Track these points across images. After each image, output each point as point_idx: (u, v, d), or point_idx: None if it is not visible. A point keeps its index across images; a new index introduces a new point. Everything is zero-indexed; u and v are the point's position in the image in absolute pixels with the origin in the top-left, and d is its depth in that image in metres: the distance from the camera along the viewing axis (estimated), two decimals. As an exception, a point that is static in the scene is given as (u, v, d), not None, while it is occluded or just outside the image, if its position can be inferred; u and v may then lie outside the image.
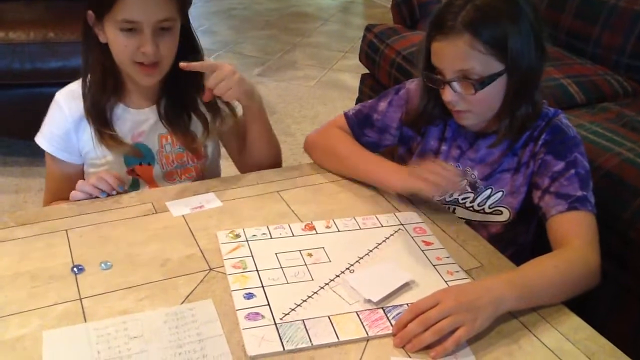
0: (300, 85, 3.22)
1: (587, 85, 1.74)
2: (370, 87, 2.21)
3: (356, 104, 2.35)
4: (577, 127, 1.47)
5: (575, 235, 0.94)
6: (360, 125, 1.20)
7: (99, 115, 1.12)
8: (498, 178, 1.10)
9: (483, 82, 0.97)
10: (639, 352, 0.81)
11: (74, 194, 1.07)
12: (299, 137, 2.63)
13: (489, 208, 1.11)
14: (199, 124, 1.19)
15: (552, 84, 1.71)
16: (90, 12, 1.07)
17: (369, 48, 2.15)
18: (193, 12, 2.66)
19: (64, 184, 1.14)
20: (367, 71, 2.27)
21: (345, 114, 1.22)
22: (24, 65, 1.99)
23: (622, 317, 1.32)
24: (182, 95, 1.16)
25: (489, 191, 1.11)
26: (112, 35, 1.06)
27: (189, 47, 1.13)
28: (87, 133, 1.14)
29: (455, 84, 0.99)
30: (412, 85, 1.18)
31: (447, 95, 1.01)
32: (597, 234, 0.96)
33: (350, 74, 3.33)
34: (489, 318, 0.80)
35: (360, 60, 2.23)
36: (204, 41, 4.03)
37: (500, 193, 1.10)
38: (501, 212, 1.10)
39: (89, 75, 1.12)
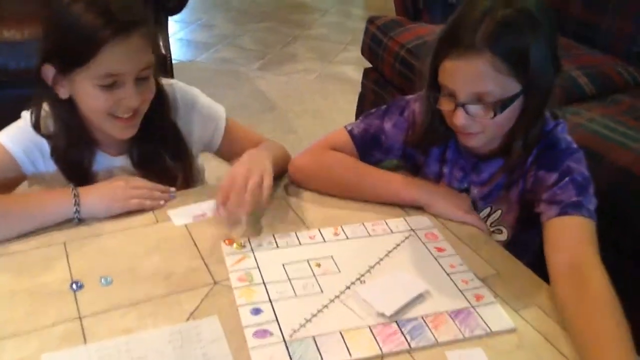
0: (301, 79, 3.17)
1: (597, 76, 1.69)
2: (374, 81, 2.16)
3: (359, 99, 2.32)
4: (589, 121, 1.43)
5: (566, 244, 0.88)
6: (368, 146, 1.12)
7: (82, 176, 1.05)
8: (496, 196, 1.06)
9: (503, 106, 0.91)
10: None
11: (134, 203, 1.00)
12: (300, 133, 2.59)
13: (490, 227, 1.07)
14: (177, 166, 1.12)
15: (561, 75, 1.66)
16: (47, 67, 0.96)
17: (371, 41, 2.10)
18: (191, 5, 2.60)
19: None
20: (369, 64, 2.22)
21: (350, 132, 1.12)
22: (19, 64, 1.94)
23: (637, 315, 1.28)
24: (154, 141, 1.08)
25: (488, 209, 1.07)
26: (86, 91, 0.96)
27: (156, 93, 1.05)
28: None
29: (470, 107, 0.91)
30: (417, 105, 1.10)
31: (460, 118, 0.93)
32: (593, 239, 0.89)
33: (351, 67, 3.28)
34: None
35: (363, 53, 2.18)
36: (202, 35, 3.97)
37: (500, 211, 1.06)
38: (501, 231, 1.07)
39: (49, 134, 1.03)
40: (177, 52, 3.46)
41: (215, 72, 3.18)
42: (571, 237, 0.89)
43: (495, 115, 0.91)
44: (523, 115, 0.94)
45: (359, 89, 2.30)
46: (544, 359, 0.77)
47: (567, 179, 0.94)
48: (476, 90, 0.91)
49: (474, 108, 0.92)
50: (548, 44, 0.91)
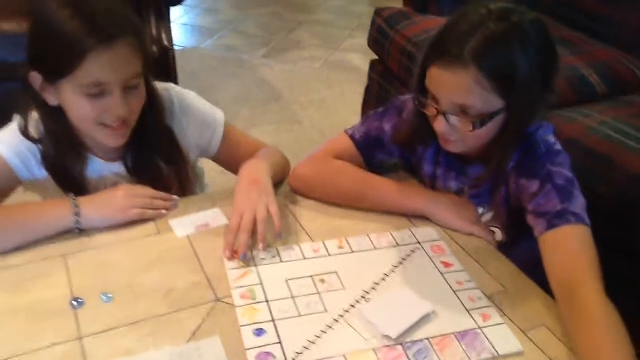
0: (307, 68, 3.13)
1: (608, 74, 1.65)
2: (380, 74, 2.13)
3: (365, 92, 2.29)
4: (601, 124, 1.40)
5: (559, 263, 0.86)
6: (371, 149, 1.10)
7: (74, 183, 1.03)
8: (485, 198, 1.05)
9: (483, 121, 0.89)
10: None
11: (135, 213, 0.98)
12: (306, 124, 2.56)
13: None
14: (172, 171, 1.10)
15: (571, 74, 1.63)
16: (34, 74, 0.94)
17: (378, 34, 2.06)
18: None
19: None
20: (376, 55, 2.18)
21: (352, 137, 1.10)
22: (19, 57, 1.91)
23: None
24: (149, 147, 1.06)
25: (481, 210, 1.05)
26: (73, 99, 0.93)
27: (149, 98, 1.02)
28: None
29: (451, 117, 0.90)
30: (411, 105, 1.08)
31: (440, 126, 0.92)
32: (585, 245, 0.86)
33: (357, 55, 3.23)
34: None
35: (370, 46, 2.13)
36: (206, 20, 3.91)
37: (492, 213, 1.05)
38: (494, 233, 1.05)
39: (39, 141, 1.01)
40: (181, 38, 3.42)
41: (219, 60, 3.14)
42: (563, 253, 0.87)
43: (474, 129, 0.90)
44: (504, 130, 0.93)
45: (365, 78, 2.26)
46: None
47: (549, 186, 0.92)
48: (458, 102, 0.89)
49: (454, 118, 0.91)
50: (538, 63, 0.88)
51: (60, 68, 0.91)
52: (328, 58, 3.26)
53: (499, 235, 1.06)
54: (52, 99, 0.97)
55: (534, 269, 0.94)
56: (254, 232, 0.93)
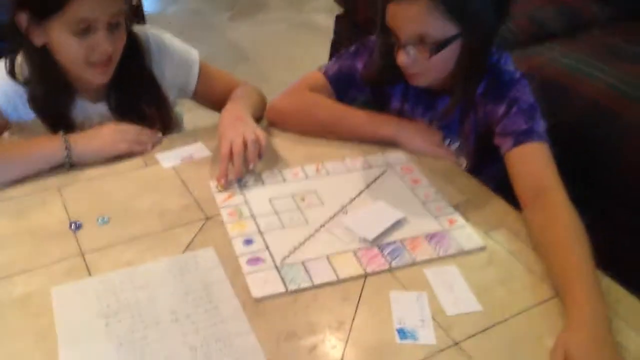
0: (273, 29, 3.17)
1: (567, 11, 1.75)
2: (347, 27, 2.18)
3: (332, 47, 2.34)
4: (561, 55, 1.49)
5: (527, 172, 0.95)
6: (343, 86, 1.17)
7: (61, 123, 1.08)
8: (453, 129, 1.13)
9: (438, 47, 0.97)
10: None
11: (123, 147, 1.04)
12: (275, 83, 2.60)
13: None
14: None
15: (533, 13, 1.71)
16: (21, 15, 0.98)
17: (343, -14, 2.11)
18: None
19: None
20: (342, 9, 2.23)
21: (326, 74, 1.17)
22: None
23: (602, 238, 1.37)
24: (130, 88, 1.12)
25: (448, 140, 1.14)
26: (61, 38, 0.98)
27: (129, 39, 1.08)
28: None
29: (410, 48, 0.98)
30: None
31: (402, 58, 0.99)
32: (549, 160, 0.96)
33: (324, 14, 3.26)
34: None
35: None
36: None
37: (458, 143, 1.14)
38: (461, 162, 1.14)
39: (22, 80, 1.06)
40: (145, 4, 3.40)
41: (185, 25, 3.15)
42: (530, 164, 0.97)
43: (430, 56, 0.97)
44: (462, 58, 1.00)
45: (331, 37, 2.32)
46: (513, 273, 0.85)
47: (514, 108, 1.01)
48: (415, 32, 0.96)
49: (412, 49, 0.98)
50: None
51: (49, 5, 0.96)
52: (294, 19, 3.30)
53: (463, 162, 1.14)
54: (37, 40, 1.01)
55: (495, 191, 1.04)
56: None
